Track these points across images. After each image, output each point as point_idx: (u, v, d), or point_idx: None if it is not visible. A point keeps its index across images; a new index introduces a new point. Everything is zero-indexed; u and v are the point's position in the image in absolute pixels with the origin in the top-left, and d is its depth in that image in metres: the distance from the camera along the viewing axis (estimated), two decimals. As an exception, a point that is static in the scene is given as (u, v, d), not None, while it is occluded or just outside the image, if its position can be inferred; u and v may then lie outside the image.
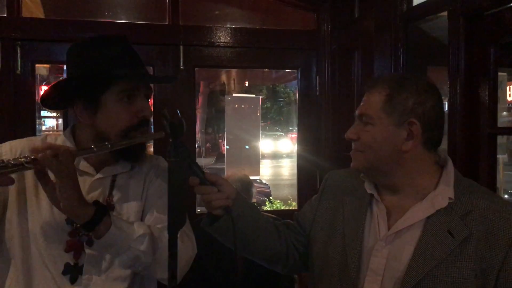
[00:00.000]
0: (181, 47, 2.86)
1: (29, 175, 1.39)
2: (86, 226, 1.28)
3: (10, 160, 1.17)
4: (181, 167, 1.19)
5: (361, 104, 1.37)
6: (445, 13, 2.00)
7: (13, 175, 1.21)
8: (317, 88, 3.04)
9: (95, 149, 1.28)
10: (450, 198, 1.28)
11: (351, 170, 1.54)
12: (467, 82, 1.89)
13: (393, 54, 2.36)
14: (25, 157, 1.19)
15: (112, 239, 1.31)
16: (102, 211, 1.30)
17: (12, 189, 1.37)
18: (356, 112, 1.38)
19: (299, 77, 3.07)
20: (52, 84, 1.43)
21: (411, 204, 1.31)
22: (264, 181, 8.11)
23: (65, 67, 1.53)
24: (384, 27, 2.43)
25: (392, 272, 1.27)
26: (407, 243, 1.28)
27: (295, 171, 3.10)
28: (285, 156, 18.52)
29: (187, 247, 1.45)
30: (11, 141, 1.45)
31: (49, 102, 1.48)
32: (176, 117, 1.17)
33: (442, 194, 1.29)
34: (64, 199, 1.23)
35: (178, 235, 1.42)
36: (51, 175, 1.25)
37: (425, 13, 2.24)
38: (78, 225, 1.35)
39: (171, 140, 1.18)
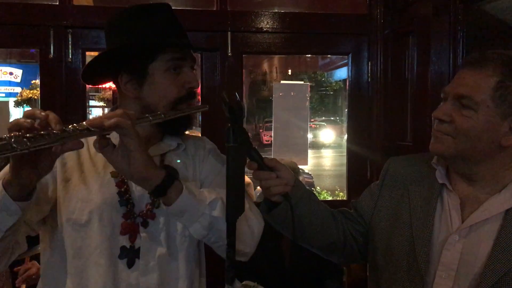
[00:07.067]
0: (229, 33, 2.81)
1: (70, 163, 1.34)
2: (158, 190, 1.18)
3: (74, 125, 1.04)
4: (240, 152, 1.15)
5: (458, 82, 1.25)
6: (512, -8, 1.88)
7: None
8: (369, 75, 2.93)
9: (150, 117, 1.21)
10: None
11: (414, 157, 1.47)
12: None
13: (452, 38, 2.24)
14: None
15: (185, 204, 1.21)
16: (173, 174, 1.22)
17: (57, 176, 1.32)
18: (450, 90, 1.25)
19: (350, 63, 2.96)
20: (94, 57, 1.36)
21: (487, 195, 1.23)
22: (306, 171, 8.02)
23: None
24: (442, 9, 2.31)
25: (468, 267, 1.19)
26: (485, 237, 1.19)
27: (338, 161, 3.04)
28: (327, 146, 18.36)
29: (258, 219, 1.37)
30: None
31: (90, 77, 1.44)
32: (236, 101, 1.13)
33: None
34: (136, 161, 1.13)
35: (247, 208, 1.31)
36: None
37: (489, -7, 2.12)
38: (130, 207, 1.31)
39: (229, 124, 1.14)
